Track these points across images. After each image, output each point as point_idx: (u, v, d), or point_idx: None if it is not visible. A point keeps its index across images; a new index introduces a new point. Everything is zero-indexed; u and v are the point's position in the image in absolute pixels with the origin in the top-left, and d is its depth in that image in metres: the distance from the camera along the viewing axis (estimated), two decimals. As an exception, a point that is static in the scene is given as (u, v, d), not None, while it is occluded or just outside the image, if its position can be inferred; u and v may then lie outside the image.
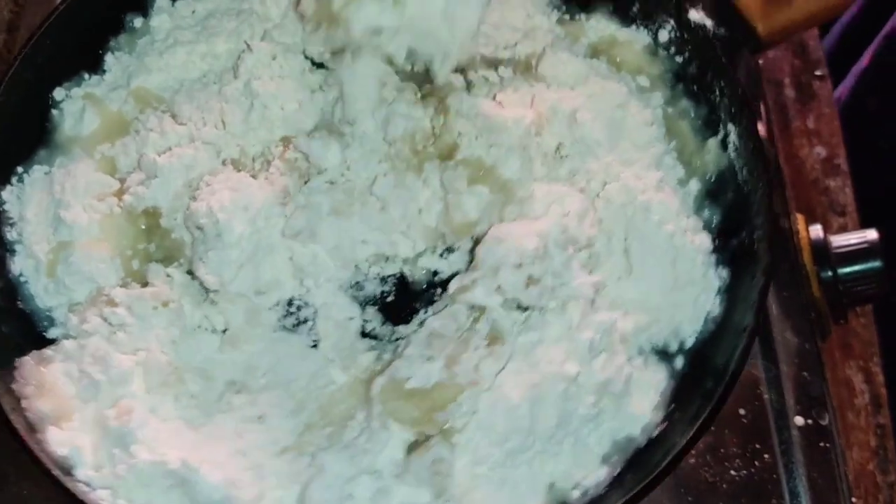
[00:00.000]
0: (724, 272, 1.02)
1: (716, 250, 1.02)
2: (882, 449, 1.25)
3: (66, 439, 0.93)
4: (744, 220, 1.01)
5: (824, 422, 1.09)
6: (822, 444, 1.08)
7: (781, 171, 1.29)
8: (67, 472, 0.91)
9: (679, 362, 1.01)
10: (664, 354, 1.01)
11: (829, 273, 1.17)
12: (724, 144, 1.05)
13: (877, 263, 1.16)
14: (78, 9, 1.11)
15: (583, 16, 1.16)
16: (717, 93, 1.06)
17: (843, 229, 1.36)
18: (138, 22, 1.17)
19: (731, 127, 1.04)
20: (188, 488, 0.91)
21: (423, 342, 0.96)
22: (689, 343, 1.01)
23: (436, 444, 0.92)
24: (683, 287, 1.01)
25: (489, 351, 0.95)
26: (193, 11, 1.18)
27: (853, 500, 1.08)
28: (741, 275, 1.00)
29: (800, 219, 1.20)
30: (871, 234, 1.17)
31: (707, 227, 1.03)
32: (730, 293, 1.01)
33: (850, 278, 1.16)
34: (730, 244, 1.03)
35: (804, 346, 1.13)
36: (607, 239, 1.02)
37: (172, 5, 1.18)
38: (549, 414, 0.92)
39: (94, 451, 0.93)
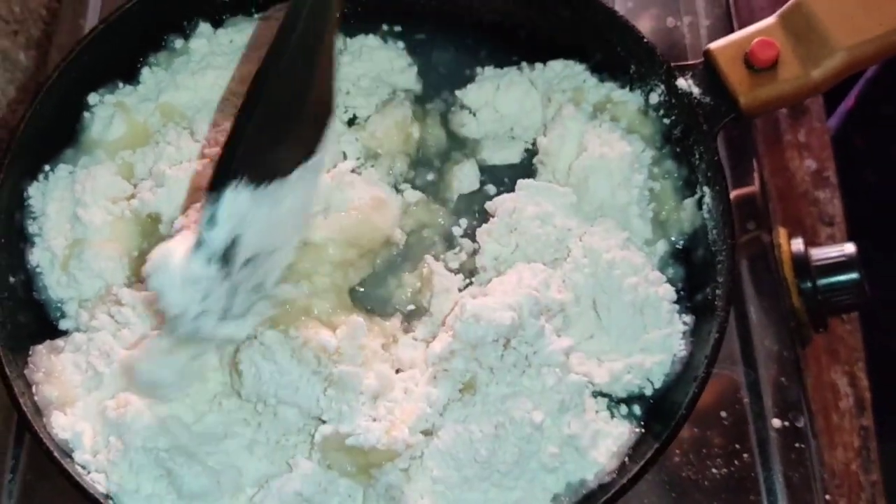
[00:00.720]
0: (688, 318, 1.06)
1: (680, 301, 1.06)
2: (865, 450, 1.28)
3: (69, 424, 1.00)
4: (709, 277, 1.05)
5: (800, 424, 1.15)
6: (797, 445, 1.14)
7: (766, 185, 1.33)
8: (67, 454, 0.99)
9: (644, 409, 1.05)
10: (634, 400, 1.05)
11: (809, 284, 1.21)
12: (699, 204, 1.09)
13: (854, 275, 1.20)
14: (124, 24, 1.15)
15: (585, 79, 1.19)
16: (697, 156, 1.09)
17: (831, 239, 1.40)
18: (178, 43, 1.22)
19: (706, 189, 1.08)
20: (174, 479, 0.98)
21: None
22: (658, 384, 1.04)
23: (388, 471, 0.98)
24: (652, 331, 1.04)
25: (459, 396, 1.01)
26: (231, 41, 1.23)
27: (826, 497, 1.13)
28: (703, 322, 1.04)
29: (782, 233, 1.26)
30: (850, 248, 1.22)
31: (671, 282, 1.07)
32: (695, 336, 1.05)
33: (829, 289, 1.21)
34: (694, 298, 1.08)
35: (783, 352, 1.19)
36: (576, 300, 1.06)
37: (213, 33, 1.23)
38: (509, 453, 0.97)
39: (93, 438, 1.00)
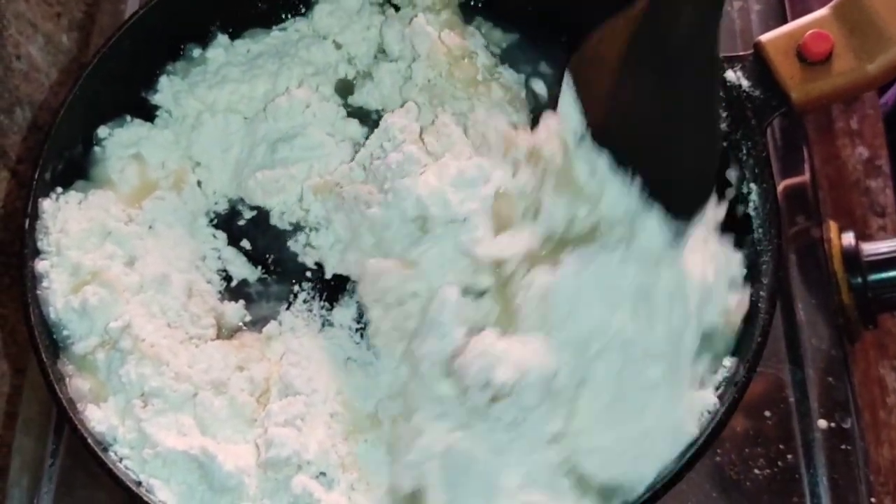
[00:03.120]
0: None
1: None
2: (913, 447, 1.27)
3: (103, 418, 1.01)
4: (753, 277, 1.03)
5: (847, 425, 1.13)
6: (843, 447, 1.12)
7: (816, 176, 1.31)
8: (104, 448, 1.00)
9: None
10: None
11: (860, 280, 1.18)
12: (745, 202, 1.06)
13: (906, 271, 1.17)
14: (143, 32, 1.17)
15: None
16: (745, 152, 1.06)
17: (882, 230, 1.36)
18: (196, 52, 1.23)
19: (752, 186, 1.05)
20: (206, 471, 0.99)
21: None
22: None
23: None
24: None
25: None
26: (248, 50, 1.24)
27: (872, 500, 1.12)
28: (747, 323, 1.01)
29: (832, 226, 1.23)
30: (903, 242, 1.19)
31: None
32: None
33: (881, 285, 1.18)
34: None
35: (830, 351, 1.17)
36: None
37: (231, 43, 1.24)
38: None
39: (126, 433, 1.01)
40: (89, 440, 0.98)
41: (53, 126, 1.09)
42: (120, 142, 1.16)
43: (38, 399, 1.19)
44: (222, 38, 1.23)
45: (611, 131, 0.97)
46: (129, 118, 1.18)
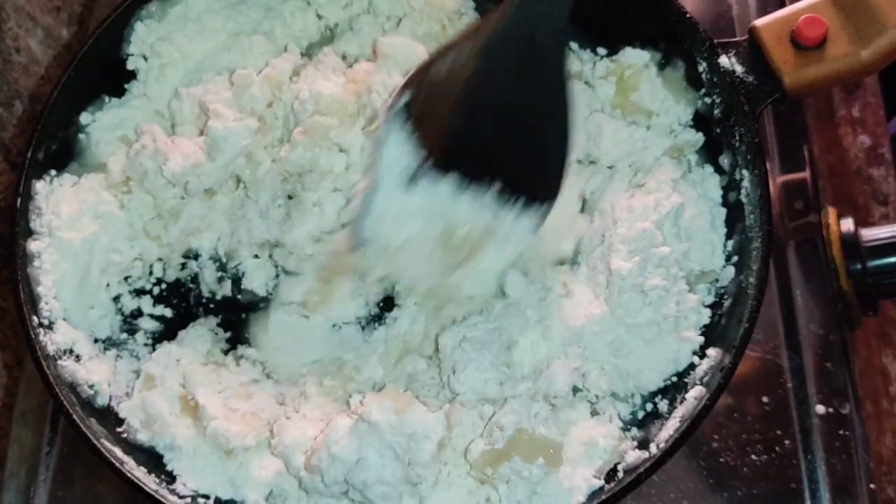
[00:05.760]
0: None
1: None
2: (916, 436, 1.26)
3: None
4: (743, 263, 1.03)
5: (845, 411, 1.12)
6: (841, 433, 1.12)
7: (815, 163, 1.30)
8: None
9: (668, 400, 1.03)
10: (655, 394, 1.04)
11: (859, 266, 1.18)
12: (737, 188, 1.06)
13: (906, 257, 1.17)
14: None
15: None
16: (738, 138, 1.05)
17: (884, 218, 1.36)
18: None
19: (745, 173, 1.04)
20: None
21: None
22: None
23: None
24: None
25: None
26: None
27: (871, 485, 1.11)
28: (737, 307, 1.02)
29: (831, 212, 1.22)
30: (902, 228, 1.18)
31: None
32: (728, 320, 1.03)
33: (880, 271, 1.17)
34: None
35: (829, 337, 1.16)
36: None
37: None
38: None
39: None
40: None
41: (46, 106, 1.10)
42: (104, 125, 1.16)
43: (35, 390, 1.20)
44: None
45: (460, 150, 0.98)
46: (107, 99, 1.18)
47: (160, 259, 1.15)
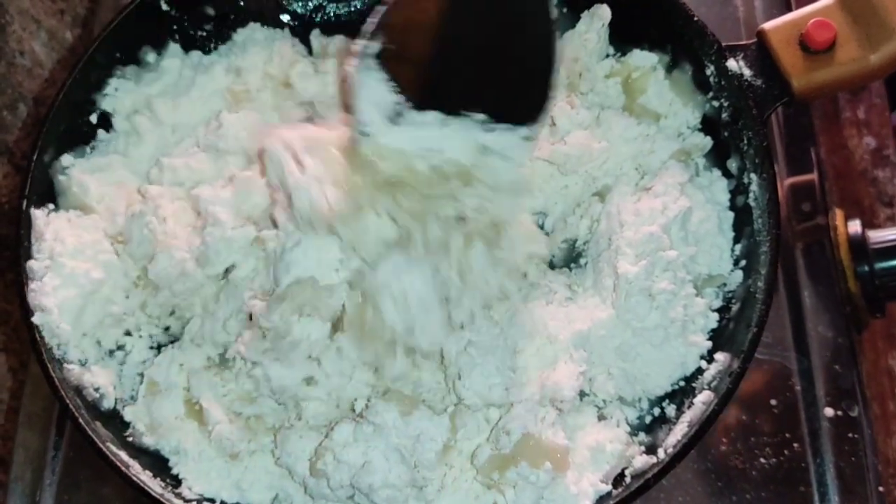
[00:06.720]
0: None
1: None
2: (923, 438, 1.26)
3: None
4: (751, 267, 1.03)
5: (854, 413, 1.12)
6: (850, 435, 1.11)
7: (822, 165, 1.30)
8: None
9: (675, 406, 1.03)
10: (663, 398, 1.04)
11: (866, 268, 1.18)
12: (745, 192, 1.06)
13: (914, 259, 1.16)
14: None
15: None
16: (745, 142, 1.05)
17: (890, 220, 1.36)
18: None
19: (753, 177, 1.04)
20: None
21: None
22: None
23: None
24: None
25: None
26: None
27: (880, 488, 1.11)
28: (745, 311, 1.01)
29: (839, 214, 1.22)
30: (910, 230, 1.18)
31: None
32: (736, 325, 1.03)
33: (887, 273, 1.18)
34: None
35: (837, 339, 1.16)
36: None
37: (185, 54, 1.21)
38: None
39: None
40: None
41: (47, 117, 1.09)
42: (83, 169, 1.13)
43: (40, 394, 1.19)
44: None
45: (437, 88, 0.97)
46: (88, 150, 1.15)
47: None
